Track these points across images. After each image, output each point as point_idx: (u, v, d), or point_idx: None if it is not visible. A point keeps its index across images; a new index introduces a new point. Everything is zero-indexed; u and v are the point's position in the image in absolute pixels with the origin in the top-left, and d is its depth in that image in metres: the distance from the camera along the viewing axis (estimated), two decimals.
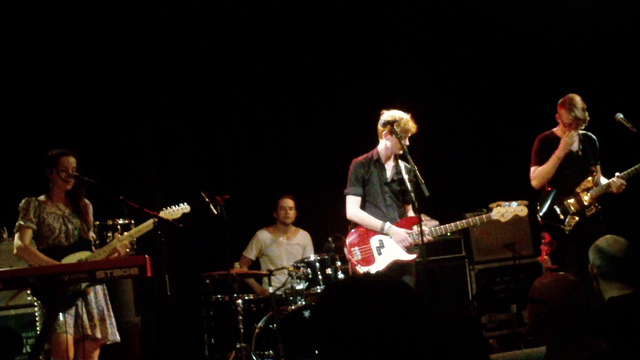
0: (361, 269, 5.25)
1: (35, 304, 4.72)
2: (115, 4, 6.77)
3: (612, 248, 3.15)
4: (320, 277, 5.83)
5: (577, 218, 5.43)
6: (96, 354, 4.83)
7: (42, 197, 4.85)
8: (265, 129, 7.57)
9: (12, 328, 5.67)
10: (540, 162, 5.53)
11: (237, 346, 5.71)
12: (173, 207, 5.20)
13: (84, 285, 4.64)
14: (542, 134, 5.64)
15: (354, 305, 1.59)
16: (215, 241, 6.26)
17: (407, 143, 5.25)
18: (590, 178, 5.51)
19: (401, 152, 5.28)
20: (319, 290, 5.76)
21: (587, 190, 5.46)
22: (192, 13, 7.09)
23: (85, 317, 4.70)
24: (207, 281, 6.16)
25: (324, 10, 7.44)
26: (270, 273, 6.27)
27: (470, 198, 7.14)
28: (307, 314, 5.70)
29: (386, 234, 5.27)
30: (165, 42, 7.04)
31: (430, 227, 5.33)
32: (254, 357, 5.66)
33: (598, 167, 5.59)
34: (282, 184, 7.22)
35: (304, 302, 5.79)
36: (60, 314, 4.54)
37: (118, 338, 4.92)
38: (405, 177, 5.32)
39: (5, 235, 5.92)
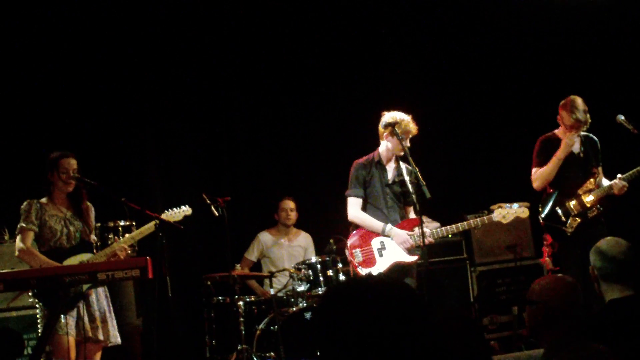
0: (362, 271, 5.24)
1: (37, 305, 4.72)
2: (115, 4, 6.76)
3: (613, 250, 3.14)
4: (321, 278, 5.82)
5: (578, 220, 5.42)
6: (98, 355, 4.84)
7: (43, 200, 4.85)
8: (266, 130, 7.56)
9: (14, 329, 5.66)
10: (541, 164, 5.52)
11: (238, 348, 5.71)
12: (175, 209, 5.22)
13: (85, 287, 4.65)
14: (543, 136, 5.63)
15: (356, 307, 1.59)
16: (217, 243, 6.25)
17: (408, 144, 5.26)
18: (592, 180, 5.50)
19: (402, 153, 5.28)
20: (320, 292, 5.75)
21: (589, 192, 5.45)
22: (192, 13, 7.08)
23: (86, 318, 4.70)
24: (209, 283, 6.16)
25: (324, 10, 7.43)
26: (271, 275, 6.26)
27: (471, 200, 7.13)
28: (308, 315, 5.69)
29: (387, 236, 5.27)
30: (165, 42, 7.02)
31: (431, 228, 5.33)
32: (255, 359, 5.66)
33: (600, 168, 5.58)
34: (283, 186, 7.22)
35: (305, 304, 5.78)
36: (62, 315, 4.55)
37: (119, 340, 4.92)
38: (407, 178, 5.31)
39: (6, 237, 5.92)
